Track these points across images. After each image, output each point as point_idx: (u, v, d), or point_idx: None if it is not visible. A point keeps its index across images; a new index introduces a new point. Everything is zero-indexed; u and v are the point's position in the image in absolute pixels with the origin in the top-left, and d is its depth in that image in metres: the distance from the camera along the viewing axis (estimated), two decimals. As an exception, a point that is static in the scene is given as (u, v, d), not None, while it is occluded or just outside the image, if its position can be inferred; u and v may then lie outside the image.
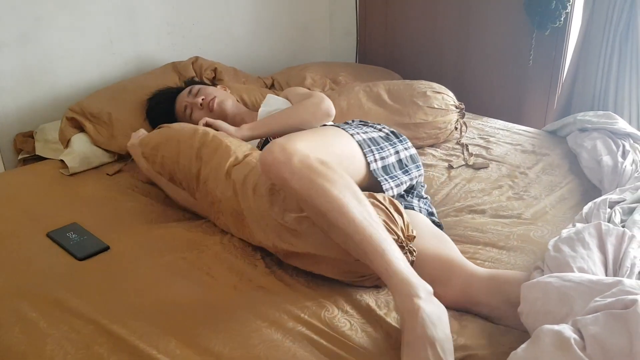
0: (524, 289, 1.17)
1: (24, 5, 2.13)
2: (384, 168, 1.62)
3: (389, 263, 1.15)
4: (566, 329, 0.97)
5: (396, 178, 1.62)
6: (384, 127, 1.78)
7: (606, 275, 1.22)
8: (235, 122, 1.98)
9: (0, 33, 2.10)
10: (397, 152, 1.68)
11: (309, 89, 2.43)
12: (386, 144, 1.69)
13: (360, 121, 1.83)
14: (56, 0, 2.20)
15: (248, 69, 2.75)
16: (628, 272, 1.20)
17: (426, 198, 1.70)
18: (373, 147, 1.63)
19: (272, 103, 1.98)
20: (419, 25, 2.91)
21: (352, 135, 1.63)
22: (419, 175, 1.72)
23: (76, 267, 1.44)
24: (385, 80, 2.46)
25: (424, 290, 1.12)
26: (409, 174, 1.67)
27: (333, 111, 1.84)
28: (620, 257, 1.25)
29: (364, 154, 1.59)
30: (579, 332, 0.97)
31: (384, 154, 1.64)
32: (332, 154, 1.44)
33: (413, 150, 1.74)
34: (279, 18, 2.97)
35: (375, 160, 1.61)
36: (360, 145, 1.61)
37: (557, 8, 2.31)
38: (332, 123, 1.89)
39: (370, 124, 1.79)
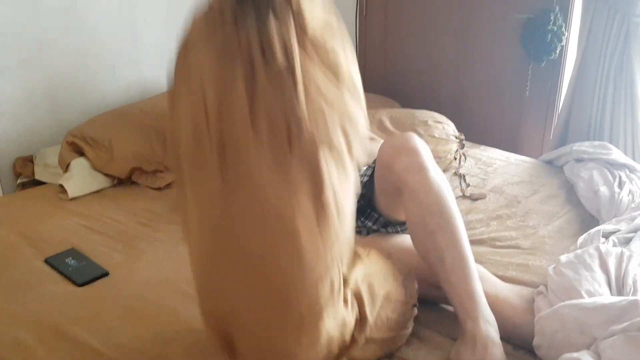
0: (539, 322, 1.18)
1: (28, 30, 2.16)
2: None
3: (481, 292, 1.24)
4: (585, 355, 0.98)
5: None
6: None
7: (611, 294, 1.23)
8: None
9: (3, 57, 2.12)
10: None
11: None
12: None
13: None
14: (60, 25, 2.23)
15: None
16: (632, 290, 1.22)
17: None
18: None
19: None
20: (418, 56, 2.95)
21: None
22: None
23: (75, 293, 1.44)
24: (387, 108, 2.49)
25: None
26: None
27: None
28: (622, 276, 1.27)
29: None
30: (598, 356, 0.98)
31: None
32: None
33: None
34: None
35: None
36: None
37: (553, 41, 2.35)
38: None
39: None
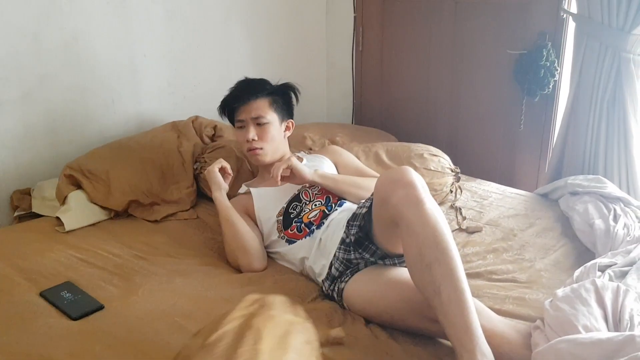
0: (536, 358, 1.18)
1: (30, 64, 2.19)
2: None
3: (478, 326, 1.24)
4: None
5: None
6: None
7: (608, 329, 1.23)
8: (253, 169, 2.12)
9: (4, 91, 2.15)
10: None
11: (310, 148, 2.49)
12: None
13: None
14: (61, 59, 2.26)
15: (245, 129, 2.81)
16: (629, 325, 1.22)
17: None
18: None
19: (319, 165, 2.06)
20: (414, 90, 2.99)
21: None
22: None
23: (70, 327, 1.43)
24: (383, 142, 2.52)
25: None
26: None
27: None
28: (618, 311, 1.27)
29: None
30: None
31: None
32: None
33: None
34: (278, 81, 3.04)
35: None
36: None
37: (546, 76, 2.39)
38: None
39: None
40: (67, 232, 1.99)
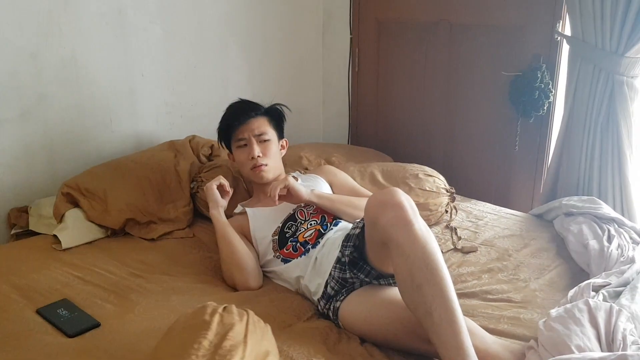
0: None
1: (28, 83, 2.20)
2: None
3: (470, 346, 1.25)
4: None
5: None
6: None
7: (601, 349, 1.24)
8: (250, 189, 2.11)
9: (3, 110, 2.16)
10: None
11: (306, 168, 2.50)
12: None
13: None
14: (59, 78, 2.28)
15: (243, 148, 2.83)
16: (621, 345, 1.22)
17: None
18: None
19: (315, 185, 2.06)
20: (409, 111, 3.01)
21: None
22: None
23: (66, 345, 1.43)
24: (379, 162, 2.54)
25: None
26: None
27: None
28: (611, 331, 1.28)
29: None
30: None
31: None
32: None
33: None
34: (274, 101, 3.06)
35: None
36: None
37: (540, 98, 2.42)
38: None
39: None
40: (64, 250, 1.99)
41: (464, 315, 1.59)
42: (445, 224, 2.28)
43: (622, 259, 1.78)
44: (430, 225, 2.24)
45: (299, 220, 1.91)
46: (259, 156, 1.97)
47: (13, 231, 2.18)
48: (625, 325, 1.30)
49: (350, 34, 3.15)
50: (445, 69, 2.81)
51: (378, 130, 3.18)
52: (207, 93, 2.78)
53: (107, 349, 1.40)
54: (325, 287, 1.66)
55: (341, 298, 1.60)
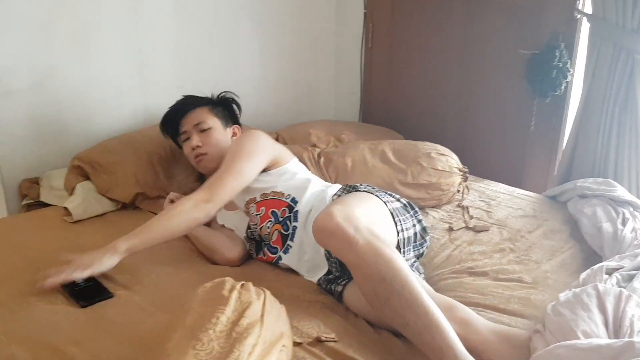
0: None
1: (38, 54, 2.20)
2: (408, 239, 1.66)
3: (453, 342, 1.21)
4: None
5: (410, 251, 1.68)
6: (400, 197, 1.81)
7: (608, 336, 1.22)
8: None
9: (14, 80, 2.15)
10: (414, 225, 1.72)
11: (314, 144, 2.48)
12: (407, 215, 1.72)
13: (378, 189, 1.81)
14: (69, 50, 2.26)
15: (253, 124, 2.80)
16: (628, 332, 1.21)
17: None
18: (400, 217, 1.67)
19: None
20: (423, 88, 2.98)
21: (385, 203, 1.67)
22: (427, 247, 1.78)
23: (75, 314, 1.43)
24: (390, 140, 2.51)
25: None
26: (422, 246, 1.73)
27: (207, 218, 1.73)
28: (619, 317, 1.26)
29: (395, 223, 1.63)
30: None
31: (407, 225, 1.68)
32: (378, 223, 1.53)
33: (423, 222, 1.77)
34: (285, 77, 3.05)
35: (402, 231, 1.64)
36: (392, 213, 1.65)
37: (558, 77, 2.37)
38: (339, 185, 1.90)
39: (388, 193, 1.79)
40: (75, 222, 2.00)
41: (476, 294, 1.59)
42: (456, 203, 2.26)
43: (635, 242, 1.75)
44: (441, 205, 2.23)
45: (253, 227, 1.86)
46: (198, 146, 1.97)
47: (24, 202, 2.19)
48: (634, 311, 1.27)
49: (365, 9, 3.10)
50: (461, 46, 2.76)
51: (390, 108, 3.15)
52: (217, 68, 2.76)
53: (115, 320, 1.41)
54: (327, 274, 1.64)
55: (342, 282, 1.57)
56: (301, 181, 1.88)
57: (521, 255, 1.84)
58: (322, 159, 2.35)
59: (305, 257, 1.71)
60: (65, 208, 2.03)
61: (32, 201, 2.19)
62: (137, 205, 2.17)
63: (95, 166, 2.16)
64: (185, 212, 1.65)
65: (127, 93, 2.48)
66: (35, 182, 2.24)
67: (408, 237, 1.66)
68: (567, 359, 1.12)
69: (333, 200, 1.71)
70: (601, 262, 1.67)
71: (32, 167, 2.27)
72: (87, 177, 2.17)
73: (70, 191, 2.11)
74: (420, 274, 1.68)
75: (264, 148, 1.88)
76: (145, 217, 2.07)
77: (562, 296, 1.36)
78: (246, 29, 2.83)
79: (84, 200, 2.07)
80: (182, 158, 2.27)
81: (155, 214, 2.10)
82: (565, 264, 1.80)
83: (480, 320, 1.37)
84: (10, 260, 1.71)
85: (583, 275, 1.56)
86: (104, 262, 1.53)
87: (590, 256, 1.84)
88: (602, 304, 1.30)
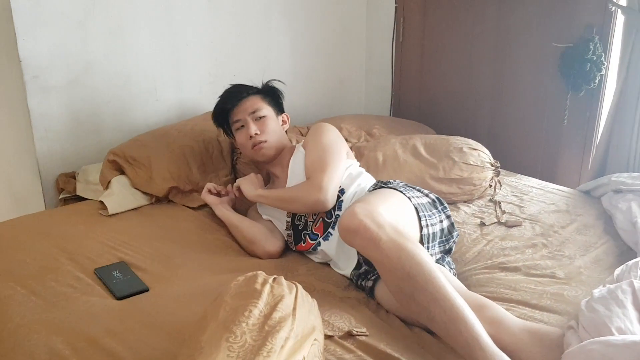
0: (566, 358, 1.16)
1: (76, 51, 2.25)
2: (433, 235, 1.66)
3: (479, 334, 1.21)
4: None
5: (435, 247, 1.68)
6: (429, 193, 1.81)
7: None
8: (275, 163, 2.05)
9: (53, 77, 2.21)
10: (441, 221, 1.72)
11: (345, 139, 2.48)
12: (434, 211, 1.72)
13: (406, 184, 1.83)
14: (105, 47, 2.31)
15: (284, 119, 2.83)
16: (664, 330, 1.19)
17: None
18: (426, 213, 1.68)
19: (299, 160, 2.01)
20: (454, 83, 2.96)
21: (409, 198, 1.68)
22: (455, 242, 1.78)
23: (111, 306, 1.47)
24: (421, 134, 2.50)
25: None
26: (449, 242, 1.73)
27: (324, 207, 1.78)
28: None
29: (419, 218, 1.64)
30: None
31: (433, 221, 1.68)
32: (401, 218, 1.54)
33: (451, 218, 1.78)
34: (316, 72, 3.05)
35: (427, 226, 1.65)
36: (416, 209, 1.66)
37: (592, 70, 2.33)
38: (373, 180, 1.92)
39: (416, 188, 1.81)
40: (110, 215, 2.04)
41: (508, 289, 1.58)
42: (488, 197, 2.25)
43: (672, 238, 1.72)
44: (473, 200, 2.22)
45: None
46: (256, 134, 1.97)
47: (61, 196, 2.25)
48: (669, 308, 1.26)
49: (396, 3, 3.09)
50: (493, 39, 2.73)
51: (421, 102, 3.14)
52: (249, 63, 2.78)
53: (150, 312, 1.44)
54: (357, 267, 1.65)
55: (372, 277, 1.58)
56: (354, 174, 1.93)
57: (554, 251, 1.82)
58: (353, 154, 2.35)
59: (344, 248, 1.72)
60: (101, 202, 2.07)
61: (68, 195, 2.24)
62: (170, 199, 2.20)
63: (129, 160, 2.20)
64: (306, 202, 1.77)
65: (161, 88, 2.52)
66: (71, 176, 2.29)
67: (433, 233, 1.66)
68: (601, 355, 1.11)
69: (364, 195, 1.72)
70: (636, 257, 1.65)
71: (69, 162, 2.32)
72: (122, 172, 2.20)
73: (106, 185, 2.15)
74: (452, 269, 1.68)
75: (343, 141, 2.01)
76: (179, 211, 2.12)
77: (596, 292, 1.35)
78: (277, 23, 2.85)
79: (118, 194, 2.11)
80: (215, 153, 2.30)
81: (189, 207, 2.15)
82: (599, 259, 1.78)
83: (511, 319, 1.36)
84: (47, 253, 1.75)
85: (617, 271, 1.53)
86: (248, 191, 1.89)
87: (625, 252, 1.81)
88: (637, 301, 1.28)
